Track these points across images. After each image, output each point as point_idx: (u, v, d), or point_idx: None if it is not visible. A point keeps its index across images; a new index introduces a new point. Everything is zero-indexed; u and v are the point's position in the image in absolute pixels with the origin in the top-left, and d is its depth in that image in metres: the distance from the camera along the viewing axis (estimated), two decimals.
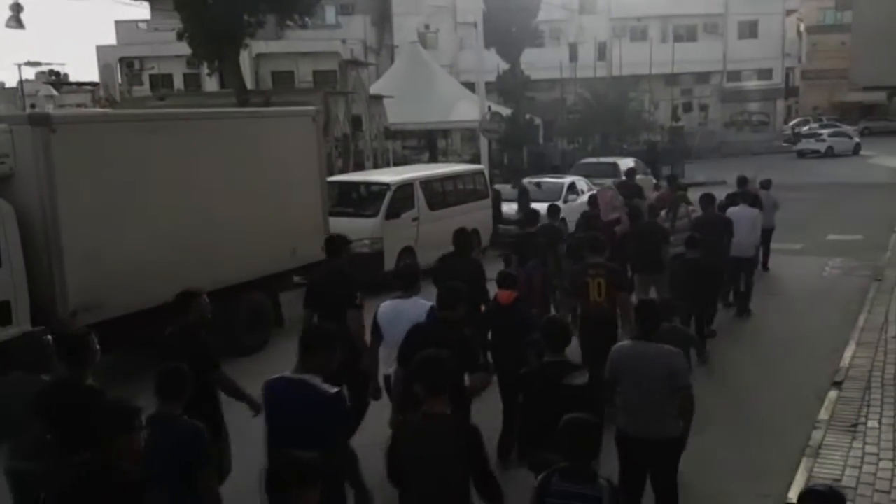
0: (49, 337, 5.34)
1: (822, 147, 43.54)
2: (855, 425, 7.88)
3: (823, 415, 8.18)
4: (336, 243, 7.69)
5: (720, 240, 10.86)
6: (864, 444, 7.46)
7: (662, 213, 12.60)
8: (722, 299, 11.49)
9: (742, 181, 13.67)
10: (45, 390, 4.76)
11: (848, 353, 10.05)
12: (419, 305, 6.36)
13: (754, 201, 12.74)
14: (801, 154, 43.87)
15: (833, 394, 8.74)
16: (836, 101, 63.33)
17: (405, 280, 6.69)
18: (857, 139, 44.98)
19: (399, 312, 6.36)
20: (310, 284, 7.92)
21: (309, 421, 4.38)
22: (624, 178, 17.45)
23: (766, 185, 14.76)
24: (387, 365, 6.34)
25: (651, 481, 5.52)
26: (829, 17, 66.28)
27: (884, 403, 8.41)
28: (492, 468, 4.31)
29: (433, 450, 4.08)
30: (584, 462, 3.95)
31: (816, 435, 7.69)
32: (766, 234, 13.94)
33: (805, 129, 55.67)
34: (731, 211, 11.97)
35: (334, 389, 4.58)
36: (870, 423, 7.91)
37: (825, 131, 46.31)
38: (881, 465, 7.02)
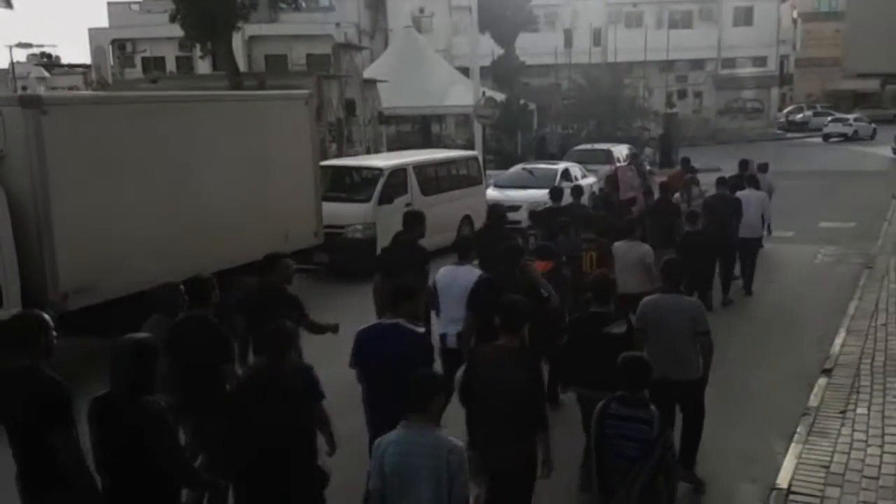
0: (181, 285, 6.04)
1: (849, 131, 46.58)
2: (844, 412, 7.92)
3: (813, 401, 8.22)
4: (411, 220, 8.48)
5: (730, 220, 11.56)
6: (853, 430, 7.50)
7: (677, 194, 13.22)
8: (725, 276, 11.91)
9: (744, 164, 14.41)
10: (178, 324, 5.64)
11: (838, 341, 10.10)
12: (472, 272, 7.07)
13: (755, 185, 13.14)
14: (827, 137, 46.39)
15: (823, 381, 8.78)
16: (829, 89, 63.38)
17: (461, 250, 7.47)
18: (874, 125, 47.54)
19: (455, 278, 7.11)
20: (380, 255, 8.73)
21: (404, 356, 5.08)
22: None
23: (764, 168, 15.31)
24: (442, 325, 7.05)
25: (681, 411, 6.33)
26: (824, 5, 66.22)
27: (873, 390, 8.46)
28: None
29: (505, 375, 4.80)
30: (639, 391, 4.67)
31: (806, 421, 7.73)
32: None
33: (799, 116, 55.81)
34: (740, 194, 12.43)
35: (421, 329, 5.49)
36: (859, 410, 7.95)
37: (850, 116, 49.37)
38: (869, 451, 7.06)
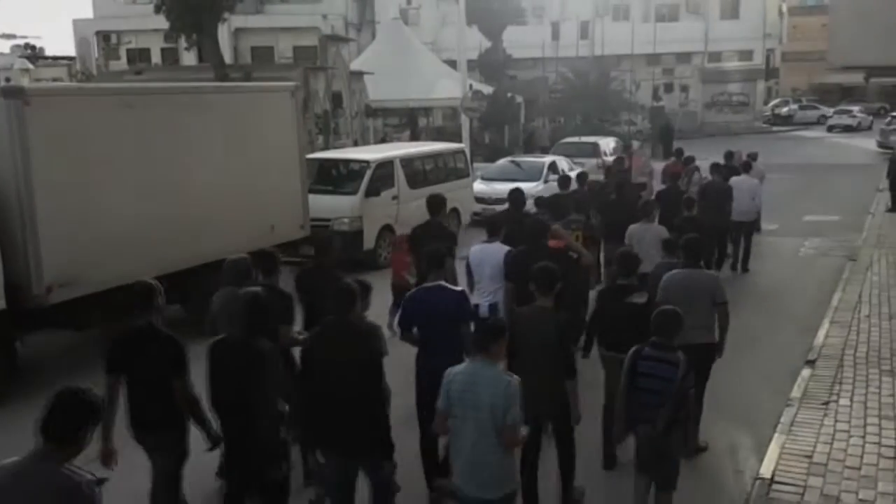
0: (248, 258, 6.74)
1: (853, 122, 48.20)
2: (827, 403, 8.00)
3: (796, 392, 8.29)
4: (435, 203, 8.98)
5: (724, 204, 12.55)
6: (836, 420, 7.58)
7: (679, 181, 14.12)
8: (719, 256, 12.82)
9: (729, 156, 15.61)
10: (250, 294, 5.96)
11: (822, 332, 10.19)
12: (501, 248, 7.81)
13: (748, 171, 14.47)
14: (831, 128, 48.03)
15: (806, 372, 8.86)
16: (815, 82, 63.67)
17: (490, 228, 8.18)
18: (871, 117, 48.99)
19: (486, 254, 7.86)
20: (412, 235, 9.08)
21: (450, 309, 6.06)
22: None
23: (754, 157, 16.42)
24: (476, 297, 7.65)
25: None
26: None
27: (856, 381, 8.54)
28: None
29: (542, 330, 5.67)
30: (669, 338, 5.43)
31: (789, 412, 7.80)
32: None
33: (784, 110, 56.03)
34: (734, 180, 13.35)
35: (460, 288, 6.57)
36: (841, 401, 8.03)
37: (854, 108, 50.89)
38: (852, 441, 7.14)
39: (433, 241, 7.48)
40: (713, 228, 11.39)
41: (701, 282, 6.95)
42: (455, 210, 15.78)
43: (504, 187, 17.88)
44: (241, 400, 4.89)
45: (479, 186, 18.80)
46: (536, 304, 5.85)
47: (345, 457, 5.18)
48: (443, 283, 6.25)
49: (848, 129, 47.14)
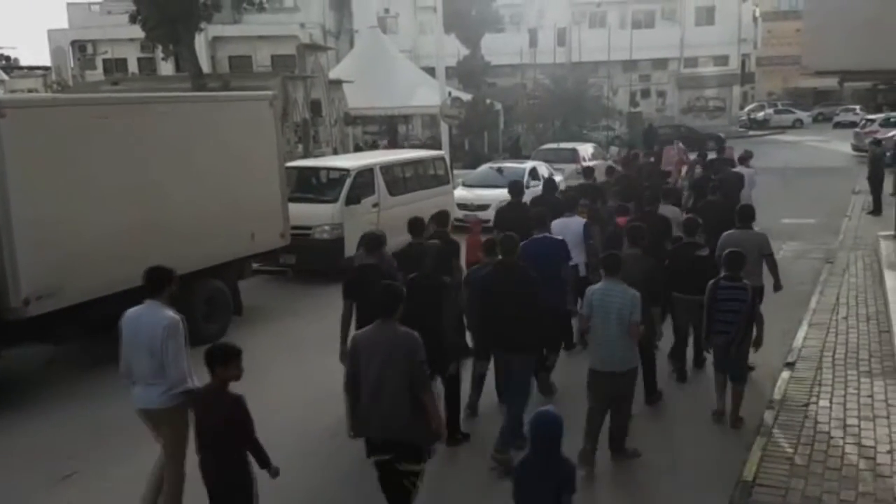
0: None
1: (857, 119, 48.14)
2: (807, 405, 8.06)
3: (777, 394, 8.36)
4: (516, 188, 11.34)
5: (737, 191, 13.82)
6: (816, 422, 7.64)
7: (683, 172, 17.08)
8: None
9: (720, 144, 17.80)
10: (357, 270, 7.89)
11: (801, 335, 10.28)
12: (579, 221, 9.89)
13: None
14: (837, 125, 49.97)
15: (786, 374, 8.93)
16: (790, 86, 64.32)
17: (568, 205, 10.24)
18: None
19: (567, 226, 9.69)
20: (498, 214, 11.16)
21: (555, 255, 8.38)
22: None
23: (749, 155, 17.10)
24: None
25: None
26: (784, 3, 67.15)
27: (835, 383, 8.61)
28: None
29: (638, 269, 7.49)
30: (737, 272, 7.59)
31: (770, 414, 7.85)
32: None
33: (760, 114, 56.57)
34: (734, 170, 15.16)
35: (560, 237, 8.88)
36: (821, 403, 8.10)
37: (857, 107, 52.12)
38: (832, 443, 7.19)
39: (520, 217, 9.67)
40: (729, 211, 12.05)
41: (751, 239, 8.91)
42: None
43: (486, 193, 18.10)
44: (433, 316, 6.66)
45: (461, 192, 18.89)
46: (629, 252, 7.81)
47: (508, 353, 7.09)
48: (546, 234, 8.61)
49: (853, 124, 47.44)
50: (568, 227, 9.59)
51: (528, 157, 25.19)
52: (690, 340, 9.06)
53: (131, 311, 5.96)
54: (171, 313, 5.80)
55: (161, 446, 5.93)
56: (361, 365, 5.42)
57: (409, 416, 5.35)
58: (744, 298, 7.48)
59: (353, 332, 6.61)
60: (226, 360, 5.06)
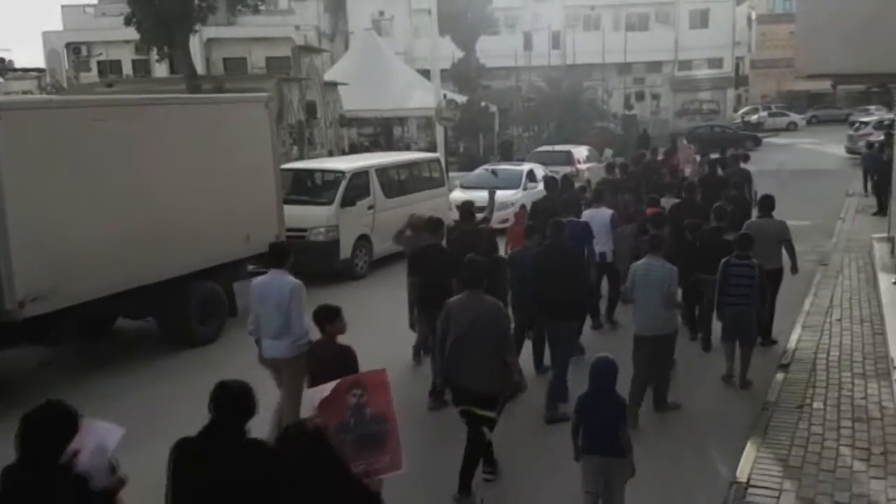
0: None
1: (872, 120, 48.55)
2: (801, 406, 8.09)
3: (770, 396, 8.38)
4: (552, 182, 13.22)
5: (749, 186, 14.96)
6: (810, 424, 7.67)
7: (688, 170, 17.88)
8: None
9: (723, 150, 18.27)
10: (421, 249, 8.82)
11: (794, 336, 10.31)
12: (606, 211, 10.99)
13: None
14: (853, 123, 48.43)
15: (780, 376, 8.95)
16: (784, 89, 64.42)
17: (596, 197, 11.70)
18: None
19: (594, 216, 10.81)
20: (534, 205, 12.30)
21: (581, 235, 9.73)
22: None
23: (746, 157, 18.73)
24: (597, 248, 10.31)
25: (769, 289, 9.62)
26: (779, 6, 67.23)
27: (829, 385, 8.65)
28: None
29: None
30: (747, 251, 8.68)
31: (764, 416, 7.88)
32: None
33: (754, 117, 56.65)
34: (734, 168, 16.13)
35: (585, 220, 10.57)
36: (815, 404, 8.12)
37: (873, 107, 50.94)
38: (826, 444, 7.22)
39: (553, 207, 10.98)
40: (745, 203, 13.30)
41: (771, 226, 9.99)
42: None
43: (483, 195, 18.09)
44: (490, 289, 6.91)
45: (457, 195, 18.89)
46: (654, 234, 8.75)
47: (556, 321, 8.19)
48: (573, 218, 10.01)
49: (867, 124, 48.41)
50: (596, 218, 10.78)
51: (522, 160, 25.25)
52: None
53: (260, 279, 7.27)
54: (294, 279, 7.01)
55: (281, 390, 7.04)
56: (451, 328, 6.32)
57: (493, 373, 6.27)
58: (752, 275, 8.54)
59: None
60: (332, 318, 6.03)
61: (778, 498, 6.31)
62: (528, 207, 12.91)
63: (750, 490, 6.45)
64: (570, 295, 8.07)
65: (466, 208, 9.91)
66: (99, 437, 3.75)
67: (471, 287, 6.44)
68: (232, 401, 4.00)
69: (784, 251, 10.01)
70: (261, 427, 5.38)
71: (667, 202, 11.87)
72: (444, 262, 8.34)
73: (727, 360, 8.91)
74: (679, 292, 8.41)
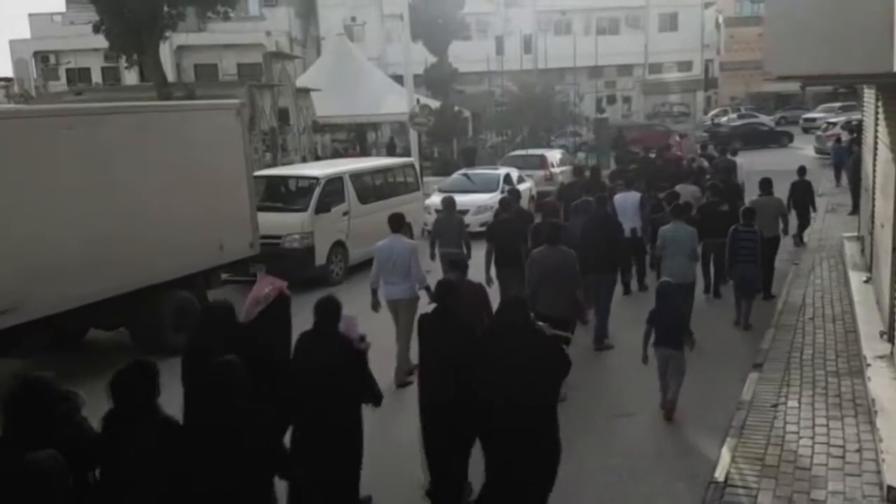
0: None
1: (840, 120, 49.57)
2: (776, 405, 8.15)
3: (746, 395, 8.44)
4: (577, 169, 15.93)
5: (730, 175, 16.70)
6: (786, 423, 7.73)
7: (684, 162, 19.35)
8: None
9: (703, 146, 19.24)
10: (498, 221, 11.29)
11: (768, 336, 10.40)
12: (636, 195, 13.04)
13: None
14: (806, 130, 50.06)
15: (754, 375, 9.02)
16: (753, 91, 65.17)
17: (627, 183, 13.82)
18: None
19: (626, 199, 12.90)
20: (560, 190, 14.90)
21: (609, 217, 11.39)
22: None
23: (734, 151, 19.47)
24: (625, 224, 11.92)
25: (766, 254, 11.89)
26: (746, 9, 67.96)
27: (803, 383, 8.72)
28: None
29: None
30: (750, 221, 11.08)
31: (739, 415, 7.93)
32: None
33: (724, 119, 57.23)
34: (720, 158, 18.69)
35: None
36: (790, 403, 8.19)
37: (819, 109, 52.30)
38: (801, 442, 7.28)
39: (576, 193, 13.09)
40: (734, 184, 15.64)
41: (772, 203, 12.56)
42: (408, 224, 15.74)
43: (461, 199, 18.09)
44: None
45: (435, 199, 18.88)
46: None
47: (602, 274, 10.12)
48: (587, 198, 11.75)
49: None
50: (627, 200, 12.84)
51: (494, 166, 25.29)
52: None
53: (382, 242, 9.32)
54: (411, 241, 9.84)
55: (399, 326, 9.20)
56: (536, 271, 8.60)
57: (568, 303, 8.48)
58: (755, 239, 10.93)
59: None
60: (453, 291, 6.64)
61: (756, 497, 6.35)
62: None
63: (728, 489, 6.48)
64: (611, 255, 10.29)
65: (506, 199, 12.00)
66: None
67: (549, 242, 8.77)
68: (330, 308, 5.93)
69: (780, 222, 12.48)
70: None
71: (683, 189, 13.42)
72: (513, 231, 10.65)
73: (736, 309, 11.14)
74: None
